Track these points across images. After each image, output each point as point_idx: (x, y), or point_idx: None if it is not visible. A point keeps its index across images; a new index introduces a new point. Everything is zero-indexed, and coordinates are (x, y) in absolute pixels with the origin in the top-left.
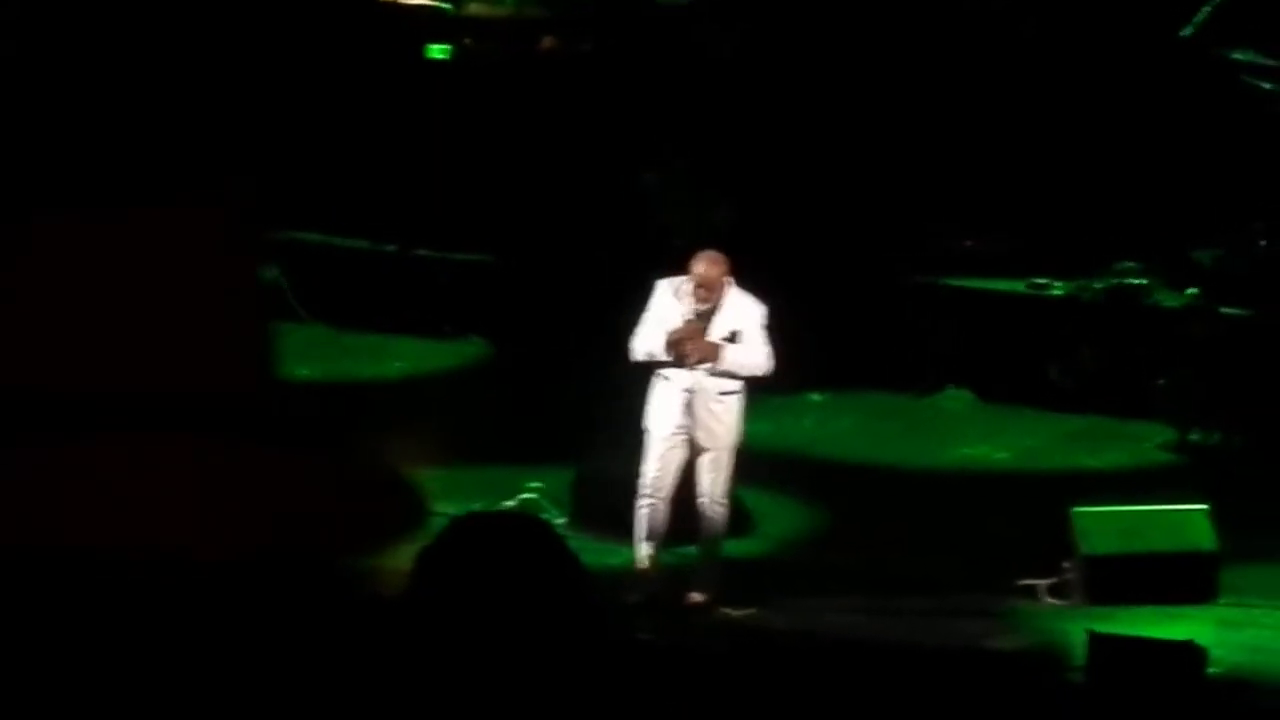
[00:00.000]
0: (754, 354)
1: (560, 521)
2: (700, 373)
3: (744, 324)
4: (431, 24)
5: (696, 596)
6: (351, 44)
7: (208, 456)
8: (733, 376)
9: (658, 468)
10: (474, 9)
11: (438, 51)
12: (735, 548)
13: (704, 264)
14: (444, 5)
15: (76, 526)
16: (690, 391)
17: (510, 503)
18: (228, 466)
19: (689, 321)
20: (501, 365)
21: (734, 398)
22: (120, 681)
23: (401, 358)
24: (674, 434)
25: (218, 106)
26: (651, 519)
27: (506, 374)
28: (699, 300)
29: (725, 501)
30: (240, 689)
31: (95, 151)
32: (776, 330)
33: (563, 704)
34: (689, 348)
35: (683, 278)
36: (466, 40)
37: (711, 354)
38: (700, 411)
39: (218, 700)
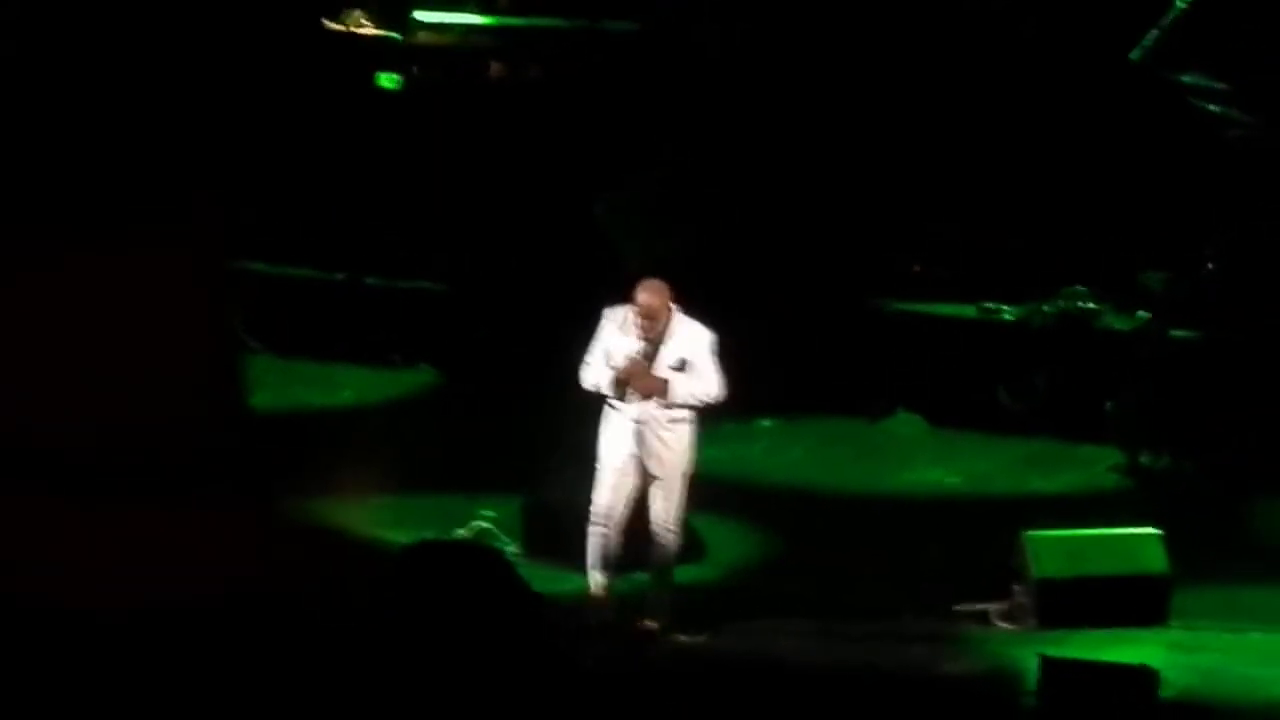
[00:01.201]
0: (703, 383)
1: (512, 550)
2: (650, 402)
3: (691, 351)
4: (381, 54)
5: (648, 624)
6: (302, 74)
7: (161, 513)
8: (684, 406)
9: (609, 497)
10: (423, 38)
11: (388, 81)
12: (687, 574)
13: (645, 293)
14: (394, 35)
15: (29, 578)
16: (640, 421)
17: (462, 531)
18: (180, 521)
19: (632, 359)
20: (451, 394)
21: (684, 426)
22: None
23: (350, 387)
24: (625, 463)
25: (181, 135)
26: (604, 547)
27: (456, 403)
28: (643, 330)
29: (676, 529)
30: None
31: (58, 185)
32: (728, 357)
33: None
34: (637, 385)
35: (627, 307)
36: (415, 69)
37: (660, 389)
38: (651, 440)
39: None
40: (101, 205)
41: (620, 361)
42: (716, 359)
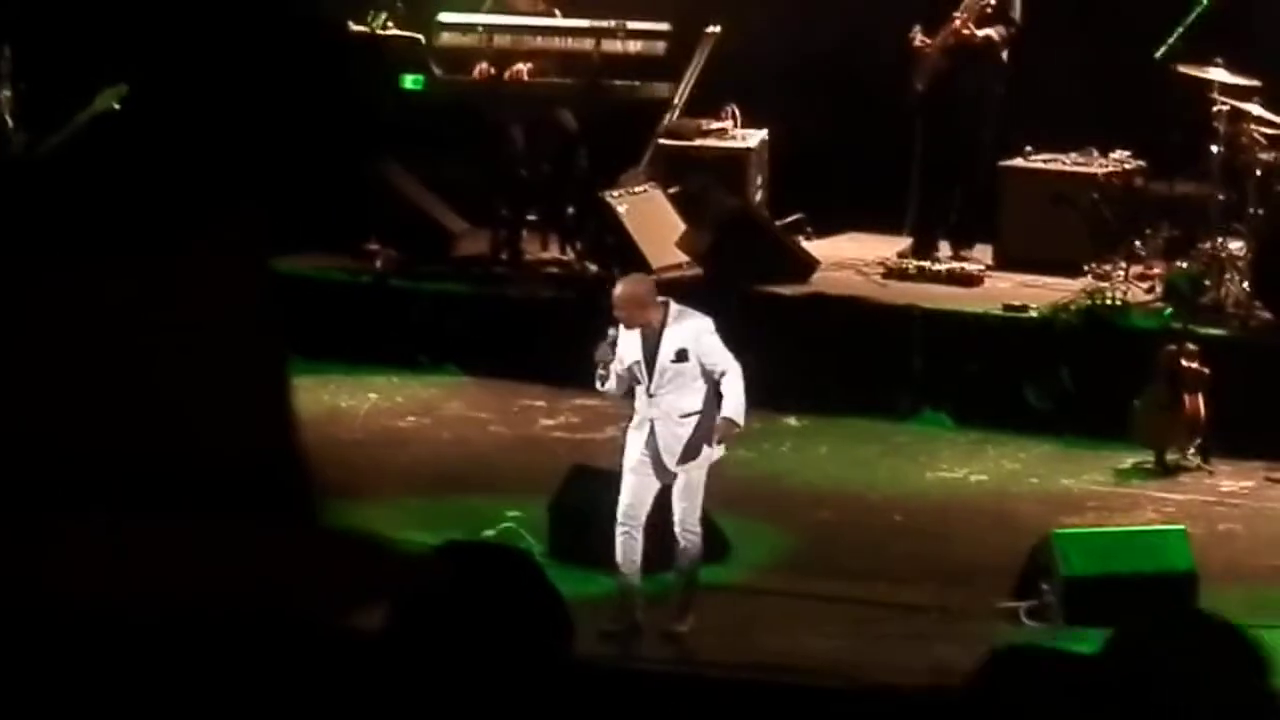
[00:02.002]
0: (729, 380)
1: (539, 551)
2: (660, 397)
3: (688, 340)
4: (406, 55)
5: (678, 627)
6: (325, 75)
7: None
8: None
9: (629, 497)
10: (447, 39)
11: (412, 82)
12: (711, 574)
13: (620, 286)
14: (417, 37)
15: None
16: (652, 418)
17: (489, 533)
18: (219, 536)
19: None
20: (477, 395)
21: (696, 419)
22: None
23: (376, 389)
24: (641, 462)
25: (224, 142)
26: (627, 547)
27: (483, 404)
28: (627, 324)
29: (698, 529)
30: None
31: (103, 197)
32: (754, 355)
33: None
34: (726, 441)
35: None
36: (439, 70)
37: (730, 434)
38: (665, 436)
39: None
40: (146, 216)
41: (627, 362)
42: (719, 341)
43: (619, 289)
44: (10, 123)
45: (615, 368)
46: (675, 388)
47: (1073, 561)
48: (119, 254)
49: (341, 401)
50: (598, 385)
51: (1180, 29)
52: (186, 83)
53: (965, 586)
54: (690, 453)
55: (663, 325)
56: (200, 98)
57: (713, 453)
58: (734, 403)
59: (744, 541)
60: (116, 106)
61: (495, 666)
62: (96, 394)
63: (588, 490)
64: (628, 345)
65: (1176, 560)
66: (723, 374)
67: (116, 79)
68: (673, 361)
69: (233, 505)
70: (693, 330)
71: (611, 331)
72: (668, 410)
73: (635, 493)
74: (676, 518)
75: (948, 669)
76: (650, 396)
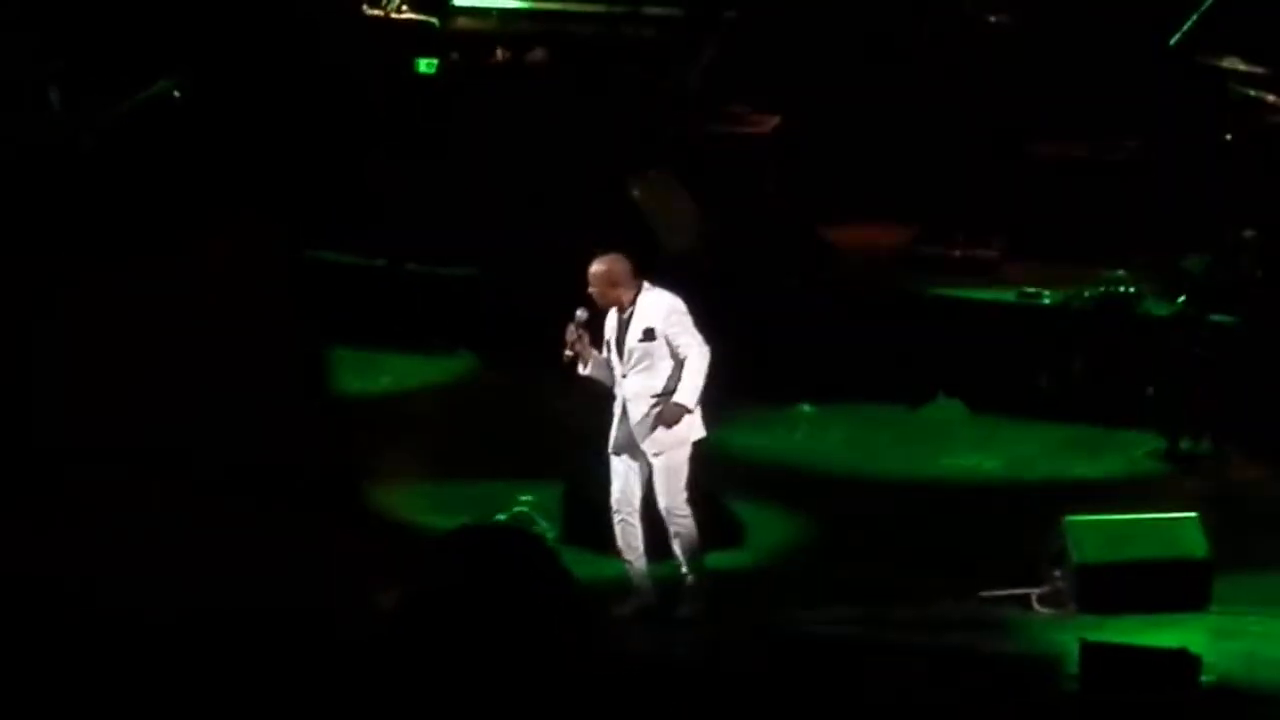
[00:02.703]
0: (689, 363)
1: (552, 535)
2: (631, 378)
3: (654, 320)
4: (419, 39)
5: (684, 612)
6: (339, 59)
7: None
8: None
9: (618, 484)
10: (461, 23)
11: (426, 66)
12: (725, 560)
13: (593, 265)
14: (431, 20)
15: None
16: (625, 400)
17: (502, 516)
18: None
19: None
20: (491, 379)
21: (661, 400)
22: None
23: (390, 372)
24: (620, 446)
25: (250, 128)
26: (625, 534)
27: (496, 387)
28: (600, 302)
29: (684, 513)
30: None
31: (137, 185)
32: (766, 342)
33: (557, 712)
34: (669, 422)
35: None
36: (454, 55)
37: (674, 416)
38: (636, 417)
39: None
40: (177, 203)
41: (610, 342)
42: (687, 319)
43: (593, 266)
44: (57, 113)
45: (598, 352)
46: (645, 368)
47: (1085, 548)
48: (154, 240)
49: (354, 385)
50: (580, 369)
51: (1194, 15)
52: (220, 76)
53: (977, 573)
54: (668, 436)
55: (634, 305)
56: (231, 90)
57: (687, 435)
58: (688, 385)
59: (757, 526)
60: (176, 95)
61: (508, 650)
62: (132, 378)
63: (602, 474)
64: (609, 327)
65: (1191, 547)
66: (685, 356)
67: (158, 75)
68: (640, 341)
69: (271, 490)
70: (662, 309)
71: (580, 312)
72: (639, 391)
73: (622, 478)
74: (661, 504)
75: (959, 653)
76: (624, 378)
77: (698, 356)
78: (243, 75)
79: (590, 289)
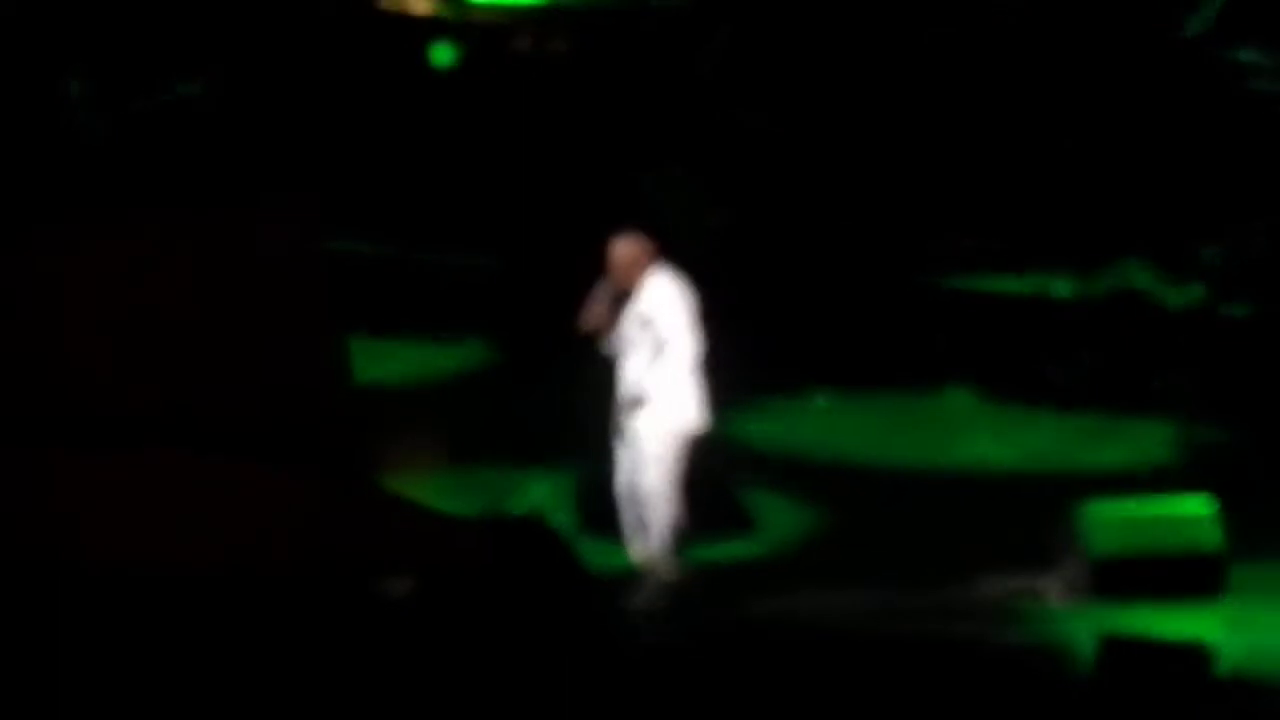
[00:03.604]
0: (665, 355)
1: (566, 523)
2: (629, 361)
3: (652, 308)
4: (436, 28)
5: (640, 599)
6: (355, 49)
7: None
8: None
9: (621, 470)
10: (476, 14)
11: (443, 55)
12: (738, 549)
13: (615, 246)
14: (447, 11)
15: (99, 539)
16: (622, 383)
17: (516, 505)
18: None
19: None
20: (503, 367)
21: (654, 384)
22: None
23: (402, 361)
24: (621, 432)
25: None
26: (628, 522)
27: (508, 376)
28: (618, 283)
29: (665, 501)
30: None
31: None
32: (781, 332)
33: (570, 702)
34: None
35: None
36: (468, 45)
37: (634, 408)
38: (626, 401)
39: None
40: (204, 180)
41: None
42: (686, 313)
43: (614, 246)
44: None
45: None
46: (639, 352)
47: (1099, 538)
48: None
49: (365, 373)
50: (606, 346)
51: (1210, 7)
52: (239, 68)
53: (991, 562)
54: (654, 419)
55: (640, 287)
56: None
57: (675, 426)
58: (658, 378)
59: (769, 516)
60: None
61: (522, 636)
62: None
63: (614, 461)
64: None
65: (1205, 537)
66: (664, 346)
67: (179, 71)
68: (639, 326)
69: (286, 458)
70: (660, 296)
71: (599, 291)
72: (632, 375)
73: (625, 464)
74: (641, 488)
75: (973, 642)
76: (625, 360)
77: (674, 352)
78: (261, 67)
79: (611, 270)
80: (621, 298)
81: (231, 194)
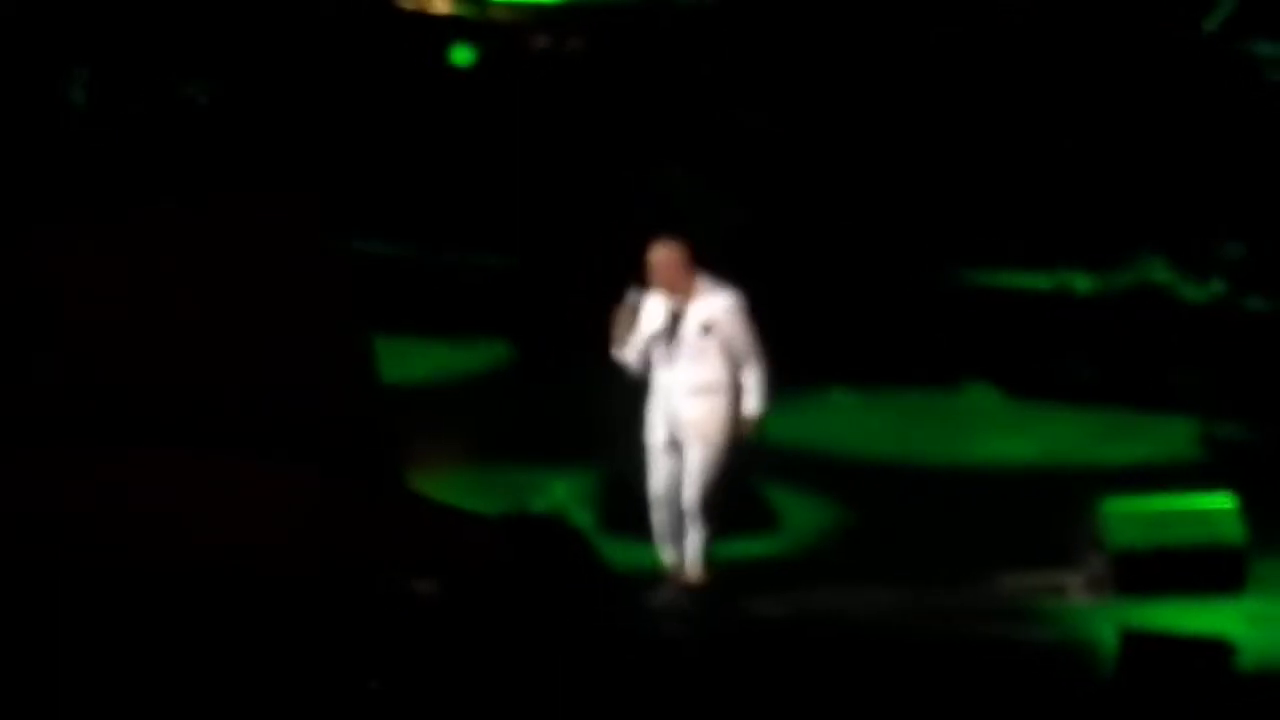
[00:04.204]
0: (750, 372)
1: (588, 523)
2: (680, 370)
3: (714, 314)
4: (455, 28)
5: (664, 597)
6: (374, 48)
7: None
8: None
9: (655, 478)
10: (496, 14)
11: (462, 55)
12: (760, 546)
13: (656, 251)
14: (466, 11)
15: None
16: (670, 391)
17: (539, 505)
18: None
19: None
20: (524, 367)
21: (715, 398)
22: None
23: (422, 361)
24: (660, 438)
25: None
26: (662, 526)
27: (529, 375)
28: (664, 291)
29: (699, 511)
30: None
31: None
32: (800, 329)
33: (590, 700)
34: (748, 432)
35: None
36: (488, 45)
37: (750, 429)
38: (678, 409)
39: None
40: (204, 180)
41: (648, 332)
42: (745, 317)
43: (659, 253)
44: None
45: (636, 339)
46: (695, 361)
47: (1121, 533)
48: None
49: (388, 373)
50: (619, 353)
51: (1229, 1)
52: (252, 66)
53: (1010, 559)
54: (701, 430)
55: (691, 296)
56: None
57: (735, 435)
58: (758, 396)
59: (791, 512)
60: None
61: (543, 634)
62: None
63: (638, 461)
64: (651, 315)
65: (1228, 532)
66: (745, 361)
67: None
68: (698, 335)
69: (304, 457)
70: (721, 305)
71: (633, 297)
72: (685, 384)
73: (658, 473)
74: (686, 496)
75: (996, 638)
76: (670, 368)
77: (757, 365)
78: (261, 67)
79: (655, 276)
80: (639, 305)
81: (232, 194)
